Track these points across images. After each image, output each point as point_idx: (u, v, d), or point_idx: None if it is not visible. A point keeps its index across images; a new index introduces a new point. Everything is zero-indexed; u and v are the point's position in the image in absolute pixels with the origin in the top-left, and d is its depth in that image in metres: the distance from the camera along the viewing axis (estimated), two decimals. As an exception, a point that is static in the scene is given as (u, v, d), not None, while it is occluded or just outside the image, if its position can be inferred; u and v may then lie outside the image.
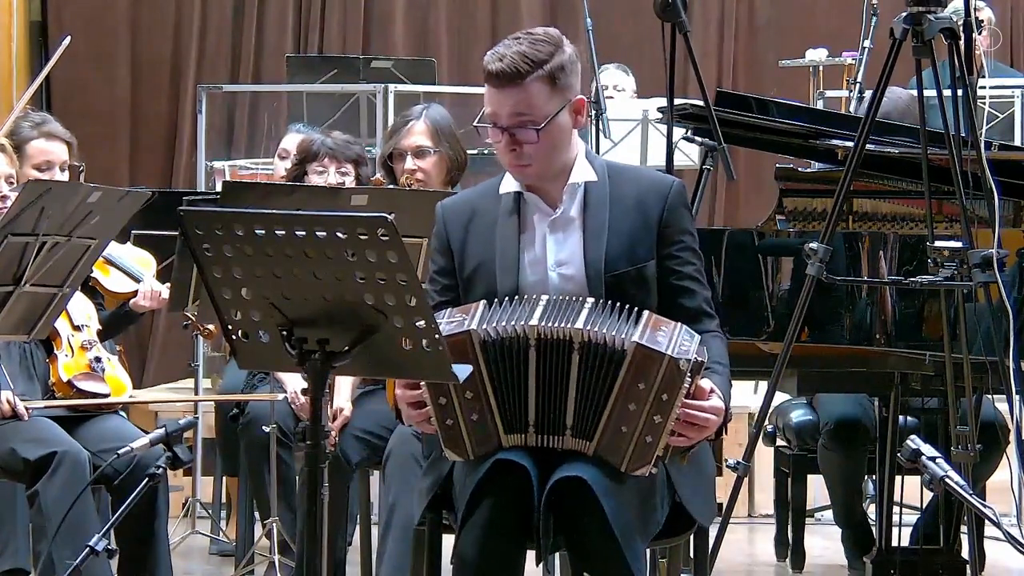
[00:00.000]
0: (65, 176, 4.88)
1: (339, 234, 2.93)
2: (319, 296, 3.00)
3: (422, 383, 3.31)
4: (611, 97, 7.42)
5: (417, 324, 2.99)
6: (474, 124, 3.57)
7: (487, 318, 3.30)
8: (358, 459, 4.84)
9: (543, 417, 3.31)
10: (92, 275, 4.86)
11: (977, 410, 4.58)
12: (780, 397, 5.33)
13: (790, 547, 5.66)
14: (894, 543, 4.87)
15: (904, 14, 4.14)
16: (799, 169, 5.12)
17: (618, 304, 3.31)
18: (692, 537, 3.61)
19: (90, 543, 3.75)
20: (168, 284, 5.00)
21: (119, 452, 3.90)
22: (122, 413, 4.86)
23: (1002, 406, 4.75)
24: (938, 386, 4.51)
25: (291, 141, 6.14)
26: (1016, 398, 4.23)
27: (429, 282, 3.57)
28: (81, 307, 4.84)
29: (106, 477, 4.44)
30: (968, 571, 4.72)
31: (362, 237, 2.92)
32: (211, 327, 5.21)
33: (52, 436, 4.48)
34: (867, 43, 6.76)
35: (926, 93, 4.23)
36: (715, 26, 9.40)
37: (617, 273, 3.43)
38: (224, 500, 6.34)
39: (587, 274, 3.44)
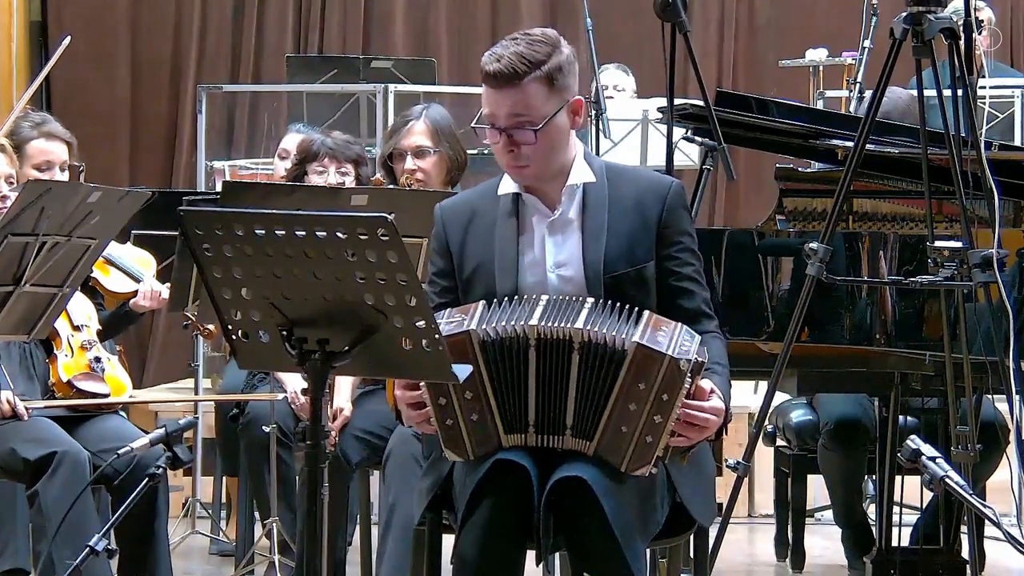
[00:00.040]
0: (65, 176, 4.88)
1: (339, 234, 2.93)
2: (319, 296, 3.00)
3: (422, 383, 3.31)
4: (611, 97, 7.42)
5: (417, 324, 2.99)
6: (472, 125, 3.56)
7: (487, 318, 3.30)
8: (358, 459, 4.84)
9: (543, 417, 3.31)
10: (92, 275, 4.86)
11: (977, 410, 4.58)
12: (780, 397, 5.33)
13: (790, 547, 5.66)
14: (894, 543, 4.87)
15: (904, 14, 4.14)
16: (799, 169, 5.12)
17: (618, 304, 3.31)
18: (692, 537, 3.61)
19: (90, 543, 3.75)
20: (168, 284, 5.00)
21: (119, 452, 3.90)
22: (122, 413, 4.86)
23: (1002, 406, 4.75)
24: (938, 386, 4.51)
25: (291, 141, 6.14)
26: (1016, 398, 4.23)
27: (428, 284, 3.57)
28: (81, 307, 4.84)
29: (106, 477, 4.44)
30: (968, 571, 4.72)
31: (362, 237, 2.92)
32: (211, 327, 5.21)
33: (52, 436, 4.48)
34: (867, 43, 6.76)
35: (926, 93, 4.23)
36: (715, 26, 9.41)
37: (616, 274, 3.43)
38: (224, 500, 6.34)
39: (586, 275, 3.44)
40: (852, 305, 4.57)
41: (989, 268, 4.07)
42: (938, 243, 4.19)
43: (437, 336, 3.01)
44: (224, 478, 6.25)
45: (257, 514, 5.53)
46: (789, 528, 5.66)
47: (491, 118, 3.42)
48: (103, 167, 8.50)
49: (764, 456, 6.24)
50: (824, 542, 6.14)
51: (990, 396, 4.62)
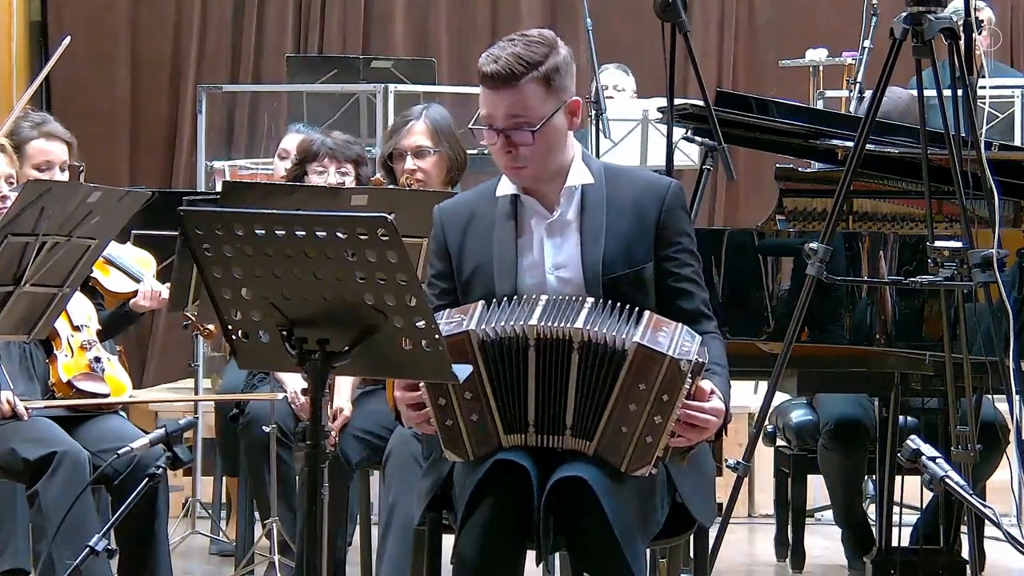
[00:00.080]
0: (65, 176, 4.88)
1: (339, 234, 2.93)
2: (319, 296, 3.00)
3: (421, 384, 3.31)
4: (611, 97, 7.42)
5: (417, 324, 2.99)
6: (469, 127, 3.56)
7: (486, 318, 3.30)
8: (358, 459, 4.84)
9: (543, 417, 3.30)
10: (92, 275, 4.86)
11: (977, 410, 4.58)
12: (780, 397, 5.33)
13: (790, 547, 5.66)
14: (894, 543, 4.87)
15: (904, 14, 4.14)
16: (799, 169, 5.12)
17: (618, 304, 3.31)
18: (692, 537, 3.61)
19: (90, 543, 3.75)
20: (168, 284, 5.00)
21: (119, 452, 3.90)
22: (122, 413, 4.86)
23: (1002, 406, 4.75)
24: (938, 386, 4.51)
25: (291, 141, 6.14)
26: (1016, 398, 4.23)
27: (427, 286, 3.57)
28: (81, 307, 4.84)
29: (106, 477, 4.43)
30: (968, 571, 4.71)
31: (362, 237, 2.92)
32: (211, 327, 5.21)
33: (52, 436, 4.48)
34: (867, 43, 6.76)
35: (926, 93, 4.22)
36: (715, 26, 9.41)
37: (615, 276, 3.43)
38: (224, 500, 6.34)
39: (584, 277, 3.44)
40: (852, 305, 4.57)
41: (989, 268, 4.07)
42: (938, 243, 4.19)
43: (437, 336, 3.01)
44: (224, 478, 6.25)
45: (257, 514, 5.53)
46: (789, 528, 5.66)
47: (488, 119, 3.42)
48: (103, 167, 8.51)
49: (764, 456, 6.24)
50: (824, 542, 6.14)
51: (990, 396, 4.62)
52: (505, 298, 3.37)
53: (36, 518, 4.43)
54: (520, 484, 3.24)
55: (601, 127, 6.37)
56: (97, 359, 4.76)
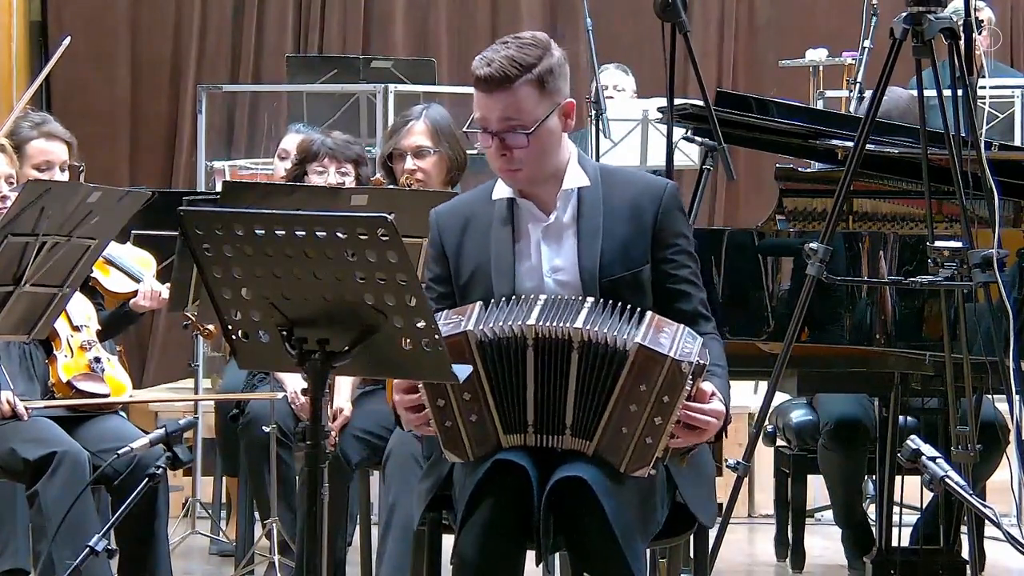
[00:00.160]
0: (65, 176, 4.88)
1: (339, 234, 2.93)
2: (319, 296, 3.00)
3: (420, 385, 3.31)
4: (611, 97, 7.42)
5: (417, 324, 2.99)
6: (464, 130, 3.57)
7: (484, 319, 3.30)
8: (358, 459, 4.84)
9: (542, 417, 3.30)
10: (92, 275, 4.86)
11: (977, 410, 4.58)
12: (780, 397, 5.33)
13: (790, 547, 5.66)
14: (894, 543, 4.87)
15: (904, 14, 4.14)
16: (799, 169, 5.12)
17: (619, 304, 3.31)
18: (692, 537, 3.61)
19: (90, 543, 3.75)
20: (168, 284, 5.00)
21: (119, 452, 3.90)
22: (122, 413, 4.86)
23: (1002, 406, 4.75)
24: (938, 386, 4.51)
25: (291, 141, 6.14)
26: (1016, 398, 4.23)
27: (424, 290, 3.56)
28: (80, 307, 4.84)
29: (106, 477, 4.44)
30: (968, 571, 4.71)
31: (362, 237, 2.92)
32: (211, 327, 5.21)
33: (52, 436, 4.48)
34: (867, 43, 6.76)
35: (926, 93, 4.22)
36: (715, 26, 9.40)
37: (612, 278, 3.42)
38: (224, 500, 6.34)
39: (582, 279, 3.43)
40: (852, 305, 4.57)
41: (989, 268, 4.07)
42: (938, 243, 4.19)
43: (437, 336, 3.01)
44: (224, 478, 6.25)
45: (257, 514, 5.53)
46: (789, 528, 5.66)
47: (483, 122, 3.41)
48: (103, 167, 8.51)
49: (764, 456, 6.24)
50: (824, 542, 6.14)
51: (990, 396, 4.62)
52: (503, 298, 3.36)
53: (36, 518, 4.43)
54: (520, 484, 3.24)
55: (601, 127, 6.38)
56: (97, 359, 4.76)
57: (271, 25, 9.43)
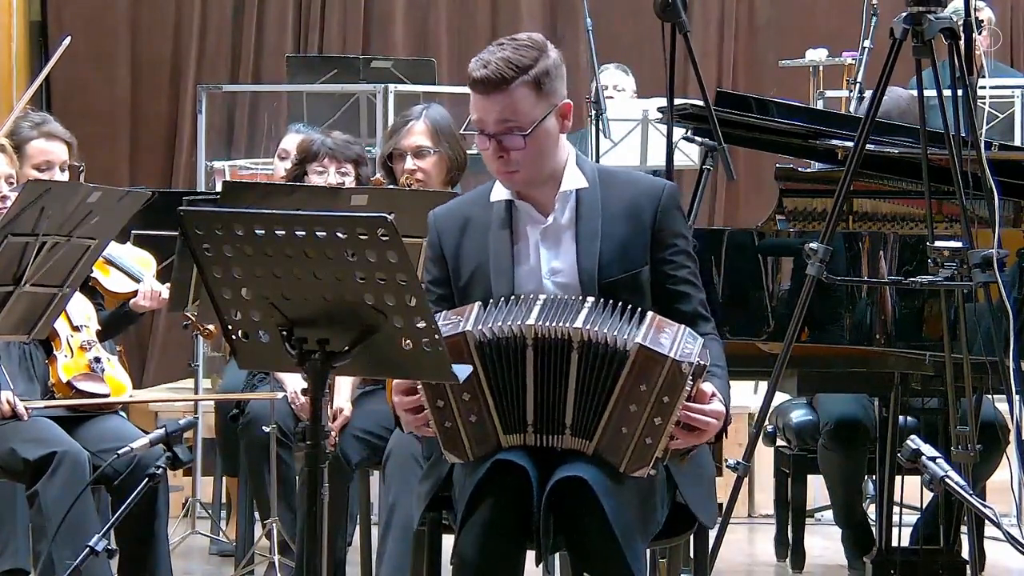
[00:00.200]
0: (65, 176, 4.88)
1: (339, 234, 2.93)
2: (319, 296, 3.00)
3: (419, 387, 3.31)
4: (611, 97, 7.42)
5: (417, 324, 2.99)
6: (461, 131, 3.56)
7: (483, 319, 3.29)
8: (358, 459, 4.84)
9: (542, 417, 3.30)
10: (92, 275, 4.86)
11: (977, 410, 4.58)
12: (780, 397, 5.33)
13: (790, 547, 5.66)
14: (894, 543, 4.87)
15: (904, 14, 4.14)
16: (799, 169, 5.12)
17: (620, 304, 3.31)
18: (692, 537, 3.61)
19: (90, 543, 3.75)
20: (168, 284, 5.00)
21: (119, 452, 3.90)
22: (122, 413, 4.86)
23: (1002, 406, 4.75)
24: (938, 386, 4.51)
25: (291, 141, 6.14)
26: (1016, 398, 4.23)
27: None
28: (80, 307, 4.84)
29: (106, 477, 4.43)
30: (968, 571, 4.72)
31: (362, 237, 2.92)
32: (211, 327, 5.20)
33: (52, 436, 4.48)
34: (867, 43, 6.76)
35: (926, 93, 4.22)
36: (715, 26, 9.40)
37: (611, 280, 3.42)
38: (224, 500, 6.34)
39: (580, 281, 3.43)
40: (852, 305, 4.57)
41: (989, 268, 4.07)
42: (938, 243, 4.19)
43: (437, 336, 3.01)
44: (224, 478, 6.25)
45: (257, 514, 5.53)
46: (789, 528, 5.66)
47: (480, 124, 3.41)
48: (103, 167, 8.51)
49: (764, 456, 6.24)
50: (824, 542, 6.14)
51: (990, 396, 4.62)
52: (503, 298, 3.36)
53: (36, 518, 4.43)
54: (520, 484, 3.24)
55: (601, 127, 6.38)
56: (97, 359, 4.76)
57: (271, 25, 9.43)
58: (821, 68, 7.96)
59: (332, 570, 4.89)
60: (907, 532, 5.08)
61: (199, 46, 9.39)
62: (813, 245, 4.25)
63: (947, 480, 3.16)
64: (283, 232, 2.95)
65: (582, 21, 6.36)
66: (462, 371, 3.08)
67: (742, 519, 6.78)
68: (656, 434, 3.24)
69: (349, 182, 5.20)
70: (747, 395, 6.21)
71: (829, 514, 5.83)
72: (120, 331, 5.29)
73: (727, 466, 4.43)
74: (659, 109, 5.93)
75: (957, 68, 4.11)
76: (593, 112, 6.38)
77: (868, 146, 4.32)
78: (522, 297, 3.36)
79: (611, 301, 3.32)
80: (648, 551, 3.51)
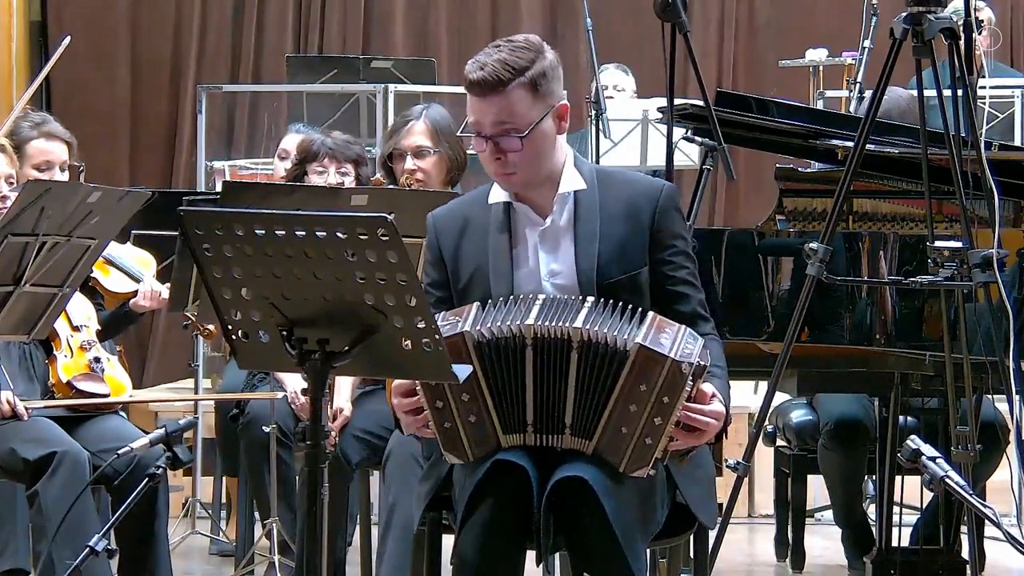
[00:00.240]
0: (65, 176, 4.88)
1: (339, 234, 2.92)
2: (319, 296, 3.00)
3: (417, 388, 3.30)
4: (611, 97, 7.42)
5: (417, 324, 2.99)
6: (458, 134, 3.55)
7: (481, 319, 3.29)
8: (358, 459, 4.84)
9: (541, 417, 3.30)
10: (92, 275, 4.86)
11: (977, 410, 4.58)
12: (780, 397, 5.33)
13: (790, 547, 5.66)
14: (894, 543, 4.87)
15: (904, 14, 4.14)
16: (799, 169, 5.12)
17: (620, 304, 3.30)
18: (692, 537, 3.61)
19: (90, 543, 3.75)
20: (168, 284, 5.00)
21: (119, 452, 3.90)
22: (122, 413, 4.86)
23: (1002, 406, 4.75)
24: (938, 386, 4.51)
25: (291, 141, 6.14)
26: (1016, 398, 4.23)
27: (422, 294, 3.56)
28: (80, 307, 4.84)
29: (106, 477, 4.43)
30: (968, 571, 4.72)
31: (362, 237, 2.92)
32: (211, 327, 5.21)
33: (52, 436, 4.48)
34: (867, 43, 6.76)
35: (926, 93, 4.23)
36: (715, 26, 9.40)
37: (610, 281, 3.42)
38: (224, 500, 6.34)
39: (579, 282, 3.42)
40: (852, 305, 4.57)
41: (989, 268, 4.07)
42: (938, 243, 4.19)
43: (437, 336, 3.00)
44: (224, 478, 6.25)
45: (257, 514, 5.53)
46: (789, 528, 5.66)
47: (476, 126, 3.40)
48: (103, 167, 8.51)
49: (764, 456, 6.24)
50: (824, 542, 6.14)
51: (990, 396, 4.62)
52: (501, 298, 3.36)
53: (36, 518, 4.43)
54: (519, 484, 3.24)
55: (601, 127, 6.38)
56: (97, 359, 4.76)
57: (271, 25, 9.43)
58: (821, 68, 7.96)
59: (332, 570, 4.89)
60: (907, 532, 5.08)
61: (199, 46, 9.39)
62: (813, 245, 4.25)
63: (947, 480, 3.16)
64: (283, 232, 2.95)
65: (582, 21, 6.36)
66: (462, 371, 3.08)
67: (742, 519, 6.78)
68: (656, 434, 3.24)
69: (349, 182, 5.20)
70: (747, 395, 6.21)
71: (829, 514, 5.83)
72: (120, 331, 5.29)
73: (727, 466, 4.43)
74: (659, 109, 5.93)
75: (957, 68, 4.11)
76: (593, 112, 6.38)
77: (868, 146, 4.32)
78: (521, 297, 3.36)
79: (611, 301, 3.32)
80: (648, 551, 3.51)
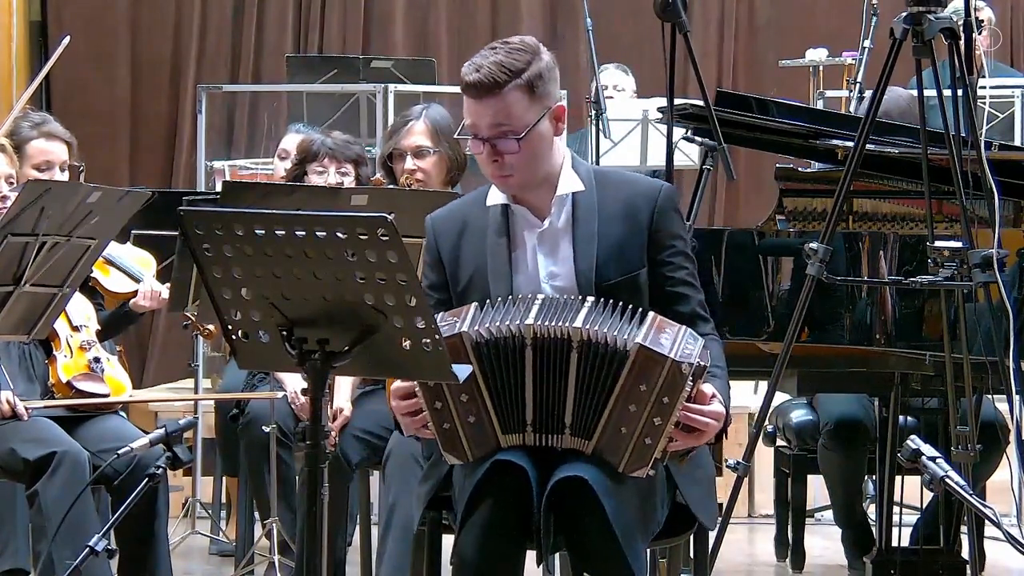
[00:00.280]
0: (65, 176, 4.88)
1: (339, 234, 2.92)
2: (319, 296, 3.00)
3: (416, 389, 3.30)
4: (611, 97, 7.42)
5: (417, 324, 2.99)
6: (456, 136, 3.54)
7: (480, 319, 3.29)
8: (358, 459, 4.84)
9: (541, 416, 3.30)
10: (92, 275, 4.86)
11: (977, 410, 4.59)
12: (780, 397, 5.33)
13: (790, 547, 5.66)
14: (894, 543, 4.87)
15: (904, 14, 4.14)
16: (799, 169, 5.12)
17: (619, 304, 3.30)
18: (692, 537, 3.61)
19: (90, 543, 3.75)
20: (168, 284, 5.00)
21: (119, 452, 3.90)
22: (122, 413, 4.86)
23: (1002, 406, 4.75)
24: (938, 386, 4.51)
25: (291, 141, 6.14)
26: (1016, 398, 4.23)
27: (421, 295, 3.56)
28: (80, 307, 4.84)
29: (106, 477, 4.43)
30: (968, 571, 4.72)
31: (362, 237, 2.92)
32: (211, 327, 5.21)
33: (52, 436, 4.48)
34: (867, 43, 6.77)
35: (926, 93, 4.23)
36: (715, 26, 9.40)
37: (609, 283, 3.42)
38: (224, 500, 6.34)
39: (578, 284, 3.42)
40: (852, 305, 4.57)
41: (989, 268, 4.07)
42: (938, 243, 4.19)
43: (437, 336, 3.00)
44: (224, 478, 6.25)
45: (257, 514, 5.53)
46: (789, 528, 5.66)
47: (473, 128, 3.39)
48: (103, 167, 8.51)
49: (764, 456, 6.24)
50: (824, 542, 6.14)
51: (990, 396, 4.62)
52: (499, 299, 3.36)
53: (36, 518, 4.43)
54: (519, 484, 3.23)
55: (601, 127, 6.38)
56: (96, 359, 4.76)
57: (271, 25, 9.43)
58: (821, 68, 7.96)
59: (332, 570, 4.89)
60: (907, 532, 5.08)
61: (199, 46, 9.39)
62: (813, 245, 4.25)
63: (947, 480, 3.16)
64: (283, 232, 2.95)
65: (582, 21, 6.37)
66: (462, 371, 3.08)
67: (742, 519, 6.78)
68: (655, 434, 3.24)
69: (349, 182, 5.20)
70: (747, 395, 6.21)
71: (829, 514, 5.83)
72: (120, 331, 5.30)
73: (727, 466, 4.43)
74: (659, 109, 5.93)
75: (957, 68, 4.11)
76: (593, 112, 6.38)
77: (868, 146, 4.32)
78: (520, 297, 3.35)
79: (611, 301, 3.31)
80: (648, 551, 3.51)
